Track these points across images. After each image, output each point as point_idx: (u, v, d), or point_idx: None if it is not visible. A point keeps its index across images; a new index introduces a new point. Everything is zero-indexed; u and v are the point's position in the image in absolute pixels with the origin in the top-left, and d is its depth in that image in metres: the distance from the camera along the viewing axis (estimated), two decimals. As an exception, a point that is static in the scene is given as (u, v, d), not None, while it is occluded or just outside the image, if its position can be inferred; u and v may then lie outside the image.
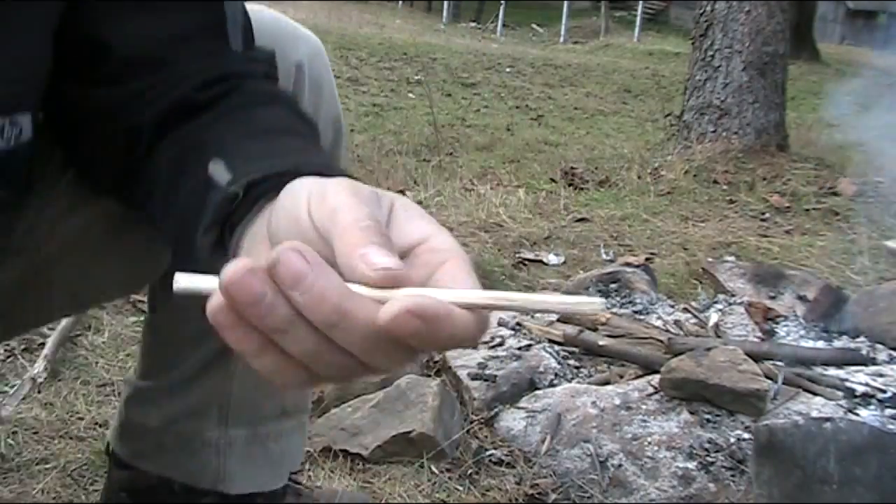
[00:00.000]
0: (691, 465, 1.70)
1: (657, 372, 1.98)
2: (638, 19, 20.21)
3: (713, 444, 1.73)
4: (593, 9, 25.66)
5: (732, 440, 1.74)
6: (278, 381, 0.47)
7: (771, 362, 2.01)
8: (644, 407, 1.85)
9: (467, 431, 1.88)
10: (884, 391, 1.89)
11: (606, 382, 2.02)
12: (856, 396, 1.88)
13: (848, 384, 1.92)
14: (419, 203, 3.69)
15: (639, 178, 4.61)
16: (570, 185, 4.51)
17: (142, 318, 1.71)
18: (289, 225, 0.50)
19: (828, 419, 1.61)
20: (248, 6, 0.77)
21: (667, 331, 2.22)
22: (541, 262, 3.17)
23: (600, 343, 2.12)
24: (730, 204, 4.30)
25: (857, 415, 1.81)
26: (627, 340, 2.14)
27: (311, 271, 0.43)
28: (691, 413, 1.82)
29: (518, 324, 2.27)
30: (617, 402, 1.87)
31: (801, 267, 3.13)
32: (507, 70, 10.98)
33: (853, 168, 5.21)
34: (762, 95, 5.19)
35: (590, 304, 0.49)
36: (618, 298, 2.52)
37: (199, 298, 0.45)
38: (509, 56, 12.46)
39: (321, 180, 0.50)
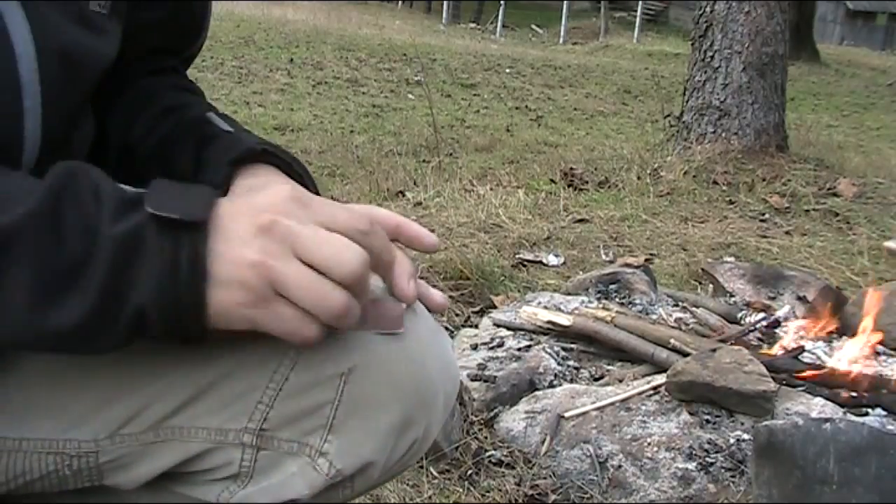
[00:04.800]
0: (691, 465, 1.69)
1: (658, 372, 1.98)
2: (637, 20, 20.21)
3: (713, 445, 1.73)
4: (593, 10, 25.68)
5: (732, 441, 1.74)
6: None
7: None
8: (644, 408, 1.85)
9: (467, 432, 1.88)
10: None
11: (606, 383, 2.02)
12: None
13: None
14: (418, 204, 3.64)
15: (638, 178, 4.61)
16: (569, 185, 4.51)
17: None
18: None
19: (827, 420, 1.60)
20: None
21: (675, 326, 2.22)
22: (540, 262, 3.17)
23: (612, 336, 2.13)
24: (729, 204, 4.30)
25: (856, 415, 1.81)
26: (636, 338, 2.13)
27: None
28: (691, 414, 1.82)
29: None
30: (616, 402, 1.87)
31: (801, 267, 3.13)
32: (507, 71, 10.98)
33: (853, 168, 5.22)
34: (762, 96, 5.18)
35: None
36: (618, 299, 2.52)
37: None
38: (509, 57, 12.45)
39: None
